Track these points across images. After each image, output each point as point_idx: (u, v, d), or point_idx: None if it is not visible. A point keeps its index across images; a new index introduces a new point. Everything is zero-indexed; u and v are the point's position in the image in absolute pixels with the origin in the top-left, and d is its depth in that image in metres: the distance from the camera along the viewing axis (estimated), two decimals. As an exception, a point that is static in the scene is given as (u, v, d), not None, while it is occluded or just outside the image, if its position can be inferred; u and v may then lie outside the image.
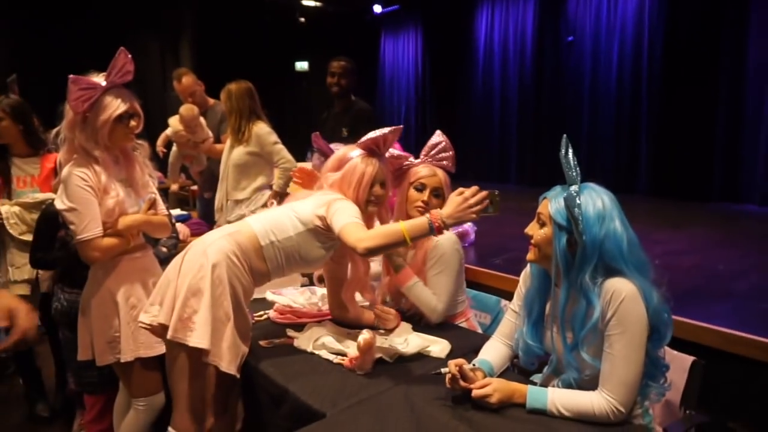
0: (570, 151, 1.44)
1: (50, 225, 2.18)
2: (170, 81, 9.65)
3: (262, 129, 3.33)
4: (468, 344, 1.82)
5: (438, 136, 2.08)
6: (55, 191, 2.28)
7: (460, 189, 1.57)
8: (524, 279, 1.64)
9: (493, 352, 1.65)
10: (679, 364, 1.62)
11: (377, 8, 10.43)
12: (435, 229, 1.54)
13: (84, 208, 1.76)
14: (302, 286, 2.39)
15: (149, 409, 1.97)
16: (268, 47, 10.29)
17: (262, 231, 1.68)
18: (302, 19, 10.48)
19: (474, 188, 1.55)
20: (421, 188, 2.00)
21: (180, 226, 3.24)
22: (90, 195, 1.77)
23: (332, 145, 2.23)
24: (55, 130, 1.88)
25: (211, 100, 4.14)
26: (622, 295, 1.35)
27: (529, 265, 1.60)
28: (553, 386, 1.52)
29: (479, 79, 9.33)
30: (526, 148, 8.39)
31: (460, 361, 1.48)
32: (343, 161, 1.81)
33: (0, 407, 2.95)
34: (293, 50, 10.85)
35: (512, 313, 1.67)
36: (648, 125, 6.96)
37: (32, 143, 2.63)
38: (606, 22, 7.37)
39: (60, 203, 1.79)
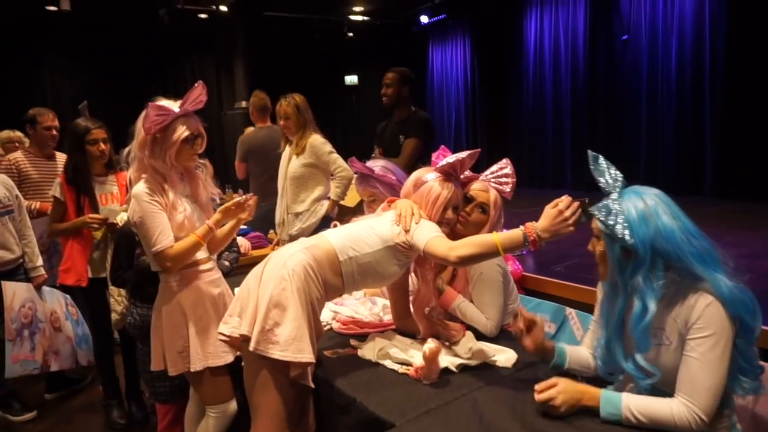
0: (600, 161, 1.43)
1: (129, 243, 2.30)
2: (227, 100, 10.04)
3: (316, 140, 3.39)
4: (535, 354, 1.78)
5: (504, 162, 2.02)
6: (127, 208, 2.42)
7: (555, 201, 1.51)
8: (599, 288, 1.61)
9: (574, 349, 1.61)
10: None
11: (424, 18, 10.50)
12: (530, 243, 1.50)
13: (152, 221, 1.85)
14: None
15: (222, 417, 2.02)
16: (318, 63, 10.52)
17: (341, 246, 1.70)
18: (350, 34, 10.65)
19: (566, 199, 1.50)
20: (469, 200, 1.95)
21: (241, 240, 3.33)
22: (158, 209, 1.86)
23: (368, 163, 2.25)
24: (126, 150, 1.99)
25: None
26: (702, 299, 1.30)
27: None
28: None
29: (530, 83, 9.20)
30: (581, 151, 8.15)
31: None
32: (418, 183, 1.82)
33: (80, 415, 3.11)
34: (342, 65, 11.05)
35: (593, 323, 1.63)
36: (712, 124, 6.65)
37: (108, 163, 2.83)
38: (663, 17, 7.11)
39: (131, 218, 1.89)
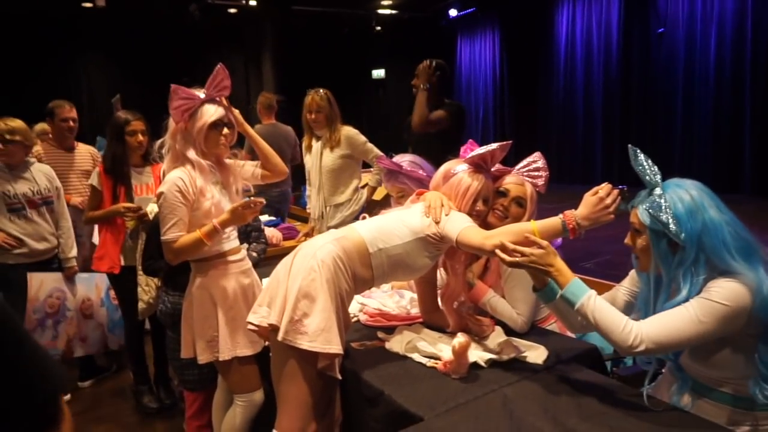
0: (640, 155, 1.41)
1: (159, 234, 2.33)
2: (255, 93, 10.15)
3: (350, 131, 3.39)
4: (565, 349, 1.74)
5: (536, 156, 2.00)
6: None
7: (595, 189, 1.50)
8: (632, 275, 1.59)
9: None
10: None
11: (453, 12, 10.41)
12: (569, 231, 1.48)
13: (170, 212, 1.87)
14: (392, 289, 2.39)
15: (249, 405, 2.03)
16: (345, 57, 10.52)
17: (371, 238, 1.68)
18: (378, 28, 10.63)
19: (606, 186, 1.49)
20: (504, 193, 1.91)
21: (272, 231, 3.35)
22: (179, 201, 1.86)
23: (396, 158, 2.22)
24: (159, 141, 2.01)
25: None
26: (725, 281, 1.28)
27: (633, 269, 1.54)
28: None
29: (561, 76, 9.04)
30: (612, 146, 8.00)
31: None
32: (448, 175, 1.80)
33: (111, 399, 3.18)
34: (370, 59, 11.03)
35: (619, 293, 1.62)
36: (752, 119, 6.42)
37: (145, 155, 2.88)
38: (702, 10, 6.90)
39: (157, 201, 1.93)
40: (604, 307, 1.35)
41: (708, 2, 6.82)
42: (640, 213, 1.38)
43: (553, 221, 1.51)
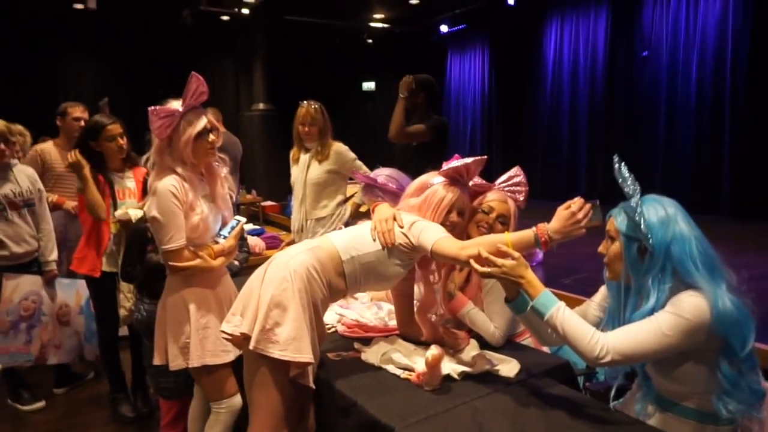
0: (623, 167, 1.46)
1: (141, 241, 2.32)
2: (245, 101, 10.11)
3: (340, 147, 3.39)
4: (537, 364, 1.77)
5: (516, 171, 2.05)
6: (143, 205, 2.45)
7: (567, 203, 1.55)
8: (601, 291, 1.64)
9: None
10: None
11: (444, 28, 10.55)
12: (541, 244, 1.52)
13: (170, 219, 1.86)
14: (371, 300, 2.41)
15: (229, 412, 2.02)
16: (336, 68, 10.59)
17: (344, 246, 1.71)
18: (370, 41, 10.72)
19: (579, 200, 1.54)
20: (488, 211, 1.95)
21: (255, 239, 3.36)
22: (177, 207, 1.87)
23: (374, 172, 2.25)
24: (145, 157, 2.00)
25: None
26: (688, 296, 1.33)
27: (605, 284, 1.58)
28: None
29: (548, 95, 9.19)
30: (596, 165, 8.14)
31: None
32: (424, 187, 1.84)
33: (87, 407, 3.14)
34: (360, 71, 11.12)
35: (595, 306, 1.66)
36: (731, 143, 6.58)
37: (126, 159, 2.84)
38: (684, 35, 7.07)
39: (148, 212, 1.91)
40: (572, 319, 1.39)
41: (690, 29, 7.00)
42: (617, 219, 1.45)
43: (526, 234, 1.56)
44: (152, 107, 1.84)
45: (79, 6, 7.92)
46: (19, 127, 3.73)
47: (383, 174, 2.23)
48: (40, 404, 3.11)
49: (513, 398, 1.55)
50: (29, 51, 8.59)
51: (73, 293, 3.15)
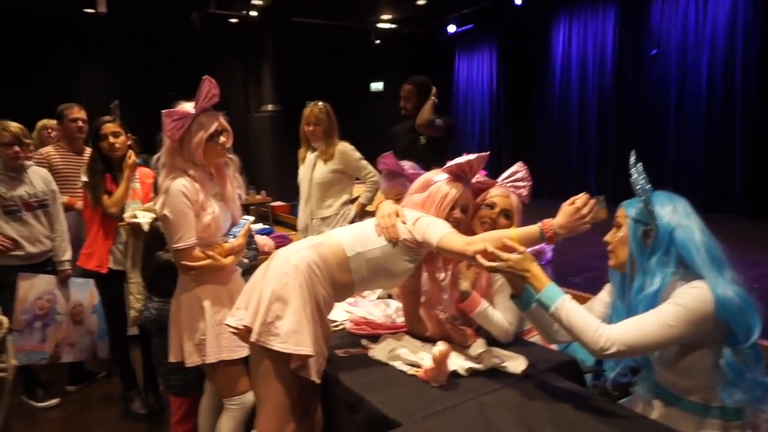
0: (639, 163, 1.48)
1: (158, 241, 2.35)
2: (254, 103, 10.13)
3: (345, 146, 3.42)
4: (544, 360, 1.78)
5: (518, 166, 2.07)
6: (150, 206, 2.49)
7: (572, 198, 1.57)
8: (607, 289, 1.64)
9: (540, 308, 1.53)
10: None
11: (451, 28, 10.54)
12: (546, 239, 1.54)
13: (180, 218, 1.89)
14: (378, 298, 2.42)
15: (241, 408, 2.05)
16: (344, 69, 10.62)
17: (349, 243, 1.73)
18: (377, 41, 10.74)
19: (584, 196, 1.55)
20: (491, 206, 1.97)
21: (264, 239, 3.39)
22: (187, 207, 1.89)
23: (402, 162, 2.25)
24: (155, 157, 2.02)
25: None
26: (694, 285, 1.35)
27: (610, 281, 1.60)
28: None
29: (556, 94, 9.16)
30: (606, 164, 8.11)
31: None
32: (428, 184, 1.86)
33: (99, 404, 3.18)
34: (368, 72, 11.13)
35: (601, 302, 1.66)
36: (742, 140, 6.53)
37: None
38: (694, 32, 7.03)
39: (159, 211, 1.94)
40: (577, 310, 1.40)
41: (700, 26, 6.96)
42: (626, 209, 1.48)
43: (532, 229, 1.58)
44: (165, 110, 1.87)
45: (90, 10, 8.02)
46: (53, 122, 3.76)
47: (408, 164, 2.23)
48: (54, 401, 3.16)
49: (520, 394, 1.56)
50: (41, 54, 8.71)
51: (87, 293, 3.20)
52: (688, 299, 1.33)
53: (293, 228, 5.42)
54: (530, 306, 1.52)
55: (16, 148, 2.90)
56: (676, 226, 1.40)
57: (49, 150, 3.49)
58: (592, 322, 1.37)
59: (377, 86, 11.19)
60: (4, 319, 1.67)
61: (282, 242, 3.75)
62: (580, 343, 1.38)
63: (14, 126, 2.93)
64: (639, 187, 1.44)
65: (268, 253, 3.35)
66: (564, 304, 1.40)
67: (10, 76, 8.24)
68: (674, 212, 1.42)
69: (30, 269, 3.01)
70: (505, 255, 1.46)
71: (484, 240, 1.56)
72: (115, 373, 3.24)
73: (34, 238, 3.01)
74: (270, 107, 9.21)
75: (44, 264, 3.09)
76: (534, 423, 1.41)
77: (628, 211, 1.48)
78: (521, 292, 1.53)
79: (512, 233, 1.58)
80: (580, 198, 1.55)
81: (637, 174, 1.45)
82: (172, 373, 2.28)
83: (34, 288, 3.00)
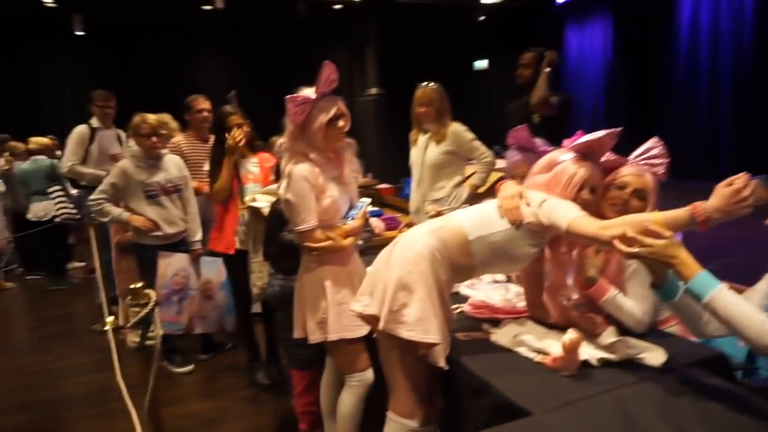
0: None
1: (279, 221, 2.47)
2: (359, 87, 10.32)
3: (458, 127, 3.36)
4: (686, 354, 1.63)
5: (653, 142, 1.88)
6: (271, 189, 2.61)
7: (729, 179, 1.43)
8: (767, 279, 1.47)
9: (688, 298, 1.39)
10: None
11: (561, -2, 9.95)
12: (698, 224, 1.41)
13: (302, 201, 1.96)
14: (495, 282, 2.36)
15: (361, 385, 2.11)
16: (448, 49, 10.46)
17: (470, 226, 1.70)
18: (481, 18, 10.43)
19: (744, 176, 1.41)
20: (622, 186, 1.80)
21: (375, 221, 3.44)
22: (308, 191, 1.96)
23: (536, 140, 2.13)
24: (279, 141, 2.11)
25: None
26: None
27: None
28: None
29: (682, 63, 8.35)
30: (743, 138, 7.28)
31: None
32: (553, 163, 1.76)
33: (227, 373, 3.46)
34: (473, 50, 10.87)
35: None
36: None
37: (252, 146, 3.09)
38: None
39: (284, 195, 2.02)
40: (738, 301, 1.25)
41: None
42: None
43: (679, 212, 1.44)
44: (289, 96, 1.93)
45: (208, 7, 8.56)
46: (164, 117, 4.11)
47: (539, 140, 2.11)
48: (190, 367, 3.48)
49: (663, 389, 1.44)
50: (165, 50, 9.47)
51: (215, 271, 3.45)
52: None
53: (399, 210, 5.45)
54: (675, 296, 1.38)
55: (154, 139, 3.18)
56: None
57: (179, 139, 3.78)
58: (758, 314, 1.22)
59: (482, 64, 10.90)
60: (153, 293, 1.83)
61: (391, 224, 3.78)
62: (743, 338, 1.23)
63: (152, 118, 3.22)
64: None
65: (379, 235, 3.42)
66: (721, 293, 1.25)
67: (143, 75, 9.05)
68: None
69: (166, 248, 3.30)
70: (648, 240, 1.33)
71: (622, 224, 1.43)
72: (241, 345, 3.48)
73: (170, 220, 3.29)
74: (374, 91, 9.32)
75: (179, 244, 3.37)
76: (682, 422, 1.29)
77: None
78: (665, 281, 1.40)
79: (655, 217, 1.44)
80: (740, 178, 1.39)
81: None
82: (296, 348, 2.39)
83: (171, 265, 3.30)
